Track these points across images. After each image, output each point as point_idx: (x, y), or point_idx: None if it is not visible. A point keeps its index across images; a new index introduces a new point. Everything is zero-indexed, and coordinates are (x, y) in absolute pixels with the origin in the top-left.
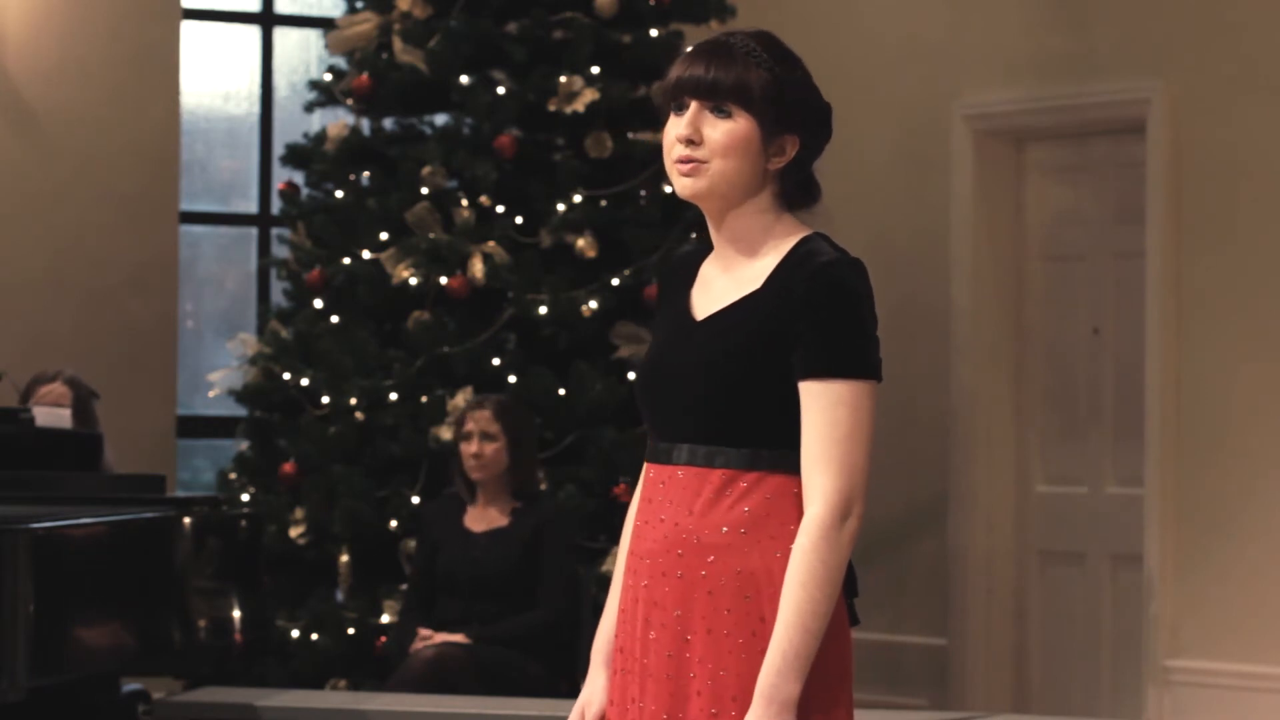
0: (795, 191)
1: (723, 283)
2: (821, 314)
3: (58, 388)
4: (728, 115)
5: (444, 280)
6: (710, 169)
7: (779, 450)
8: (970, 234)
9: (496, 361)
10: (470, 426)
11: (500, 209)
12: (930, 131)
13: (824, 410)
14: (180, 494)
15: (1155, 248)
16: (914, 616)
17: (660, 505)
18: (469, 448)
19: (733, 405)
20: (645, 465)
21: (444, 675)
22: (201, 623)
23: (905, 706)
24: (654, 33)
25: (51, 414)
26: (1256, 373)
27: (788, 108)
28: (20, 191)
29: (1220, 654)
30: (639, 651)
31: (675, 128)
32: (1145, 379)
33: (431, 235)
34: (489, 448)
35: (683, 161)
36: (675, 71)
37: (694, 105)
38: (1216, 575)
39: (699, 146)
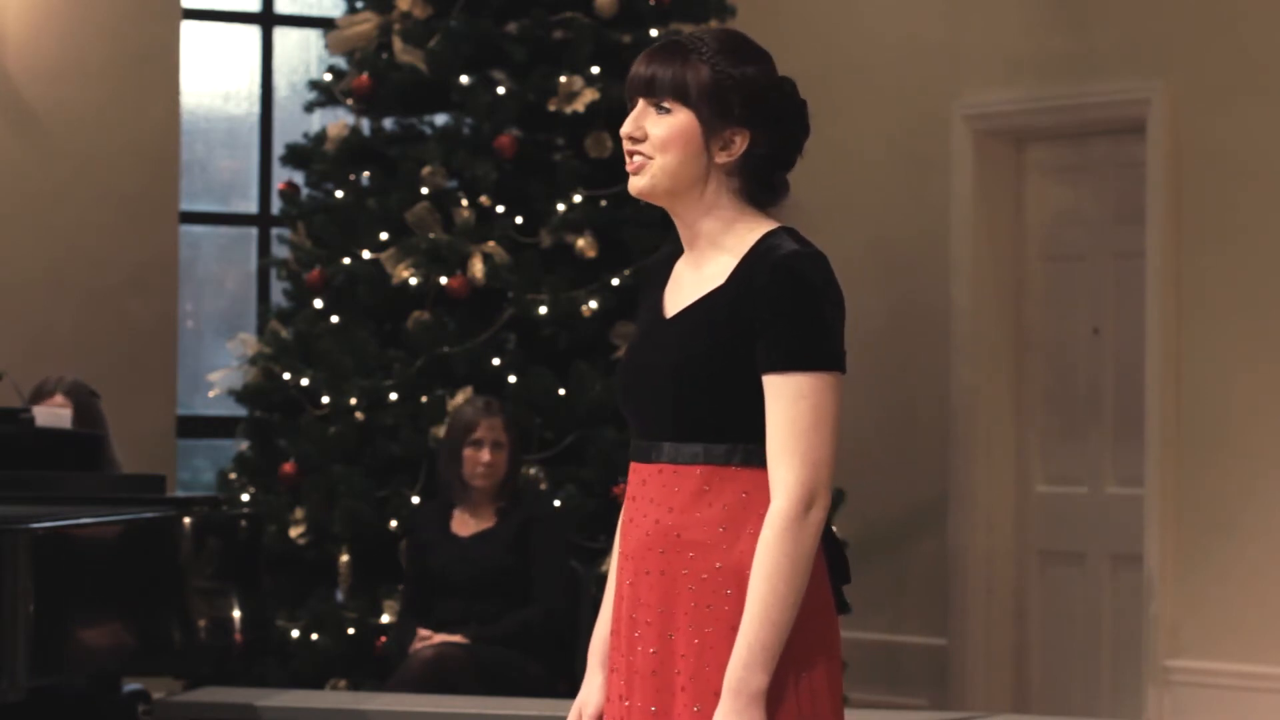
0: (758, 188)
1: (691, 280)
2: (781, 306)
3: (58, 400)
4: (668, 111)
5: (444, 280)
6: (653, 165)
7: (754, 444)
8: (970, 234)
9: (496, 361)
10: (482, 434)
11: (500, 209)
12: (930, 131)
13: (786, 403)
14: (180, 494)
15: (1155, 248)
16: (914, 616)
17: (642, 504)
18: (480, 455)
19: (704, 401)
20: (630, 465)
21: (444, 675)
22: (201, 623)
23: (905, 706)
24: (654, 33)
25: (52, 414)
26: (1256, 372)
27: (731, 102)
28: (20, 191)
29: (1220, 654)
30: (625, 649)
31: (624, 126)
32: (1145, 379)
33: (431, 235)
34: (499, 456)
35: (630, 157)
36: (630, 72)
37: (640, 103)
38: (1216, 575)
39: (643, 142)
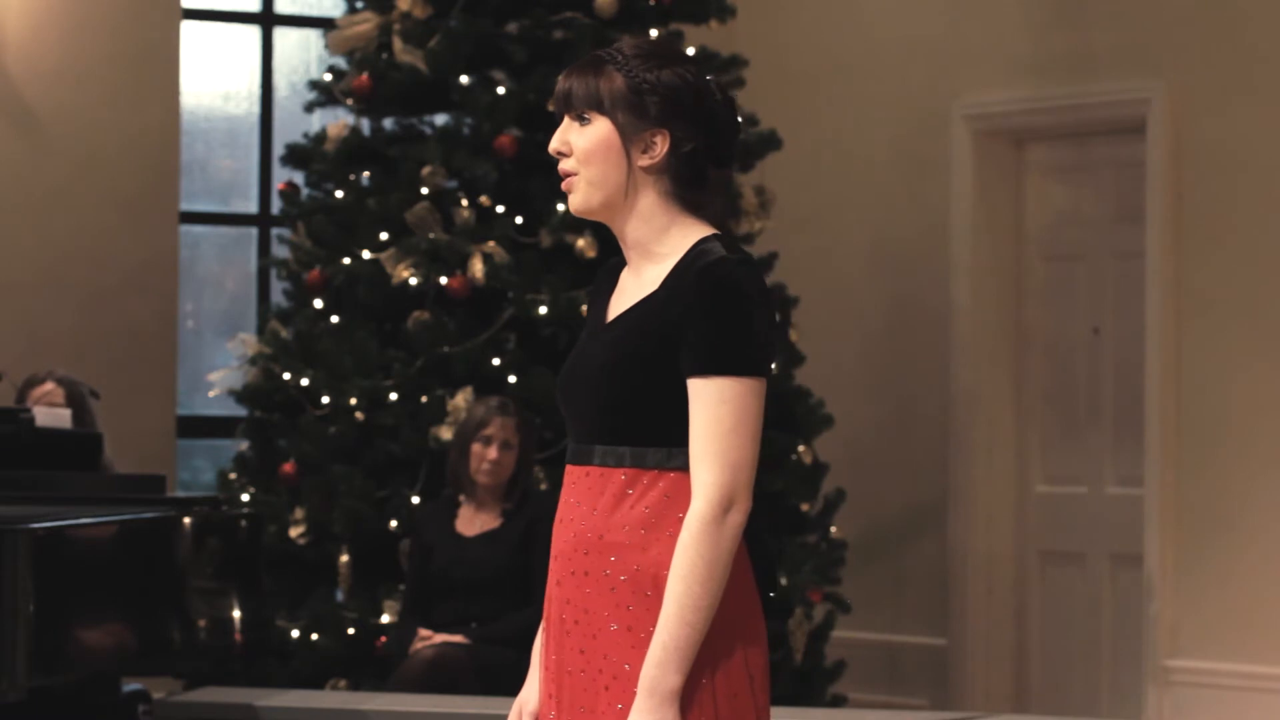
0: (686, 188)
1: (632, 287)
2: (704, 312)
3: (49, 387)
4: (588, 122)
5: (444, 280)
6: (580, 180)
7: (679, 448)
8: (970, 234)
9: (496, 361)
10: (493, 432)
11: (500, 209)
12: (930, 131)
13: (707, 406)
14: (180, 494)
15: (1155, 248)
16: (914, 616)
17: (571, 506)
18: (488, 453)
19: (631, 405)
20: (566, 467)
21: (444, 675)
22: (201, 623)
23: (905, 706)
24: (654, 33)
25: (51, 414)
26: (1256, 372)
27: (646, 104)
28: (20, 191)
29: (1220, 654)
30: (555, 648)
31: (551, 143)
32: (1145, 379)
33: (431, 235)
34: (507, 456)
35: (564, 178)
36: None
37: (565, 119)
38: (1216, 575)
39: (569, 157)
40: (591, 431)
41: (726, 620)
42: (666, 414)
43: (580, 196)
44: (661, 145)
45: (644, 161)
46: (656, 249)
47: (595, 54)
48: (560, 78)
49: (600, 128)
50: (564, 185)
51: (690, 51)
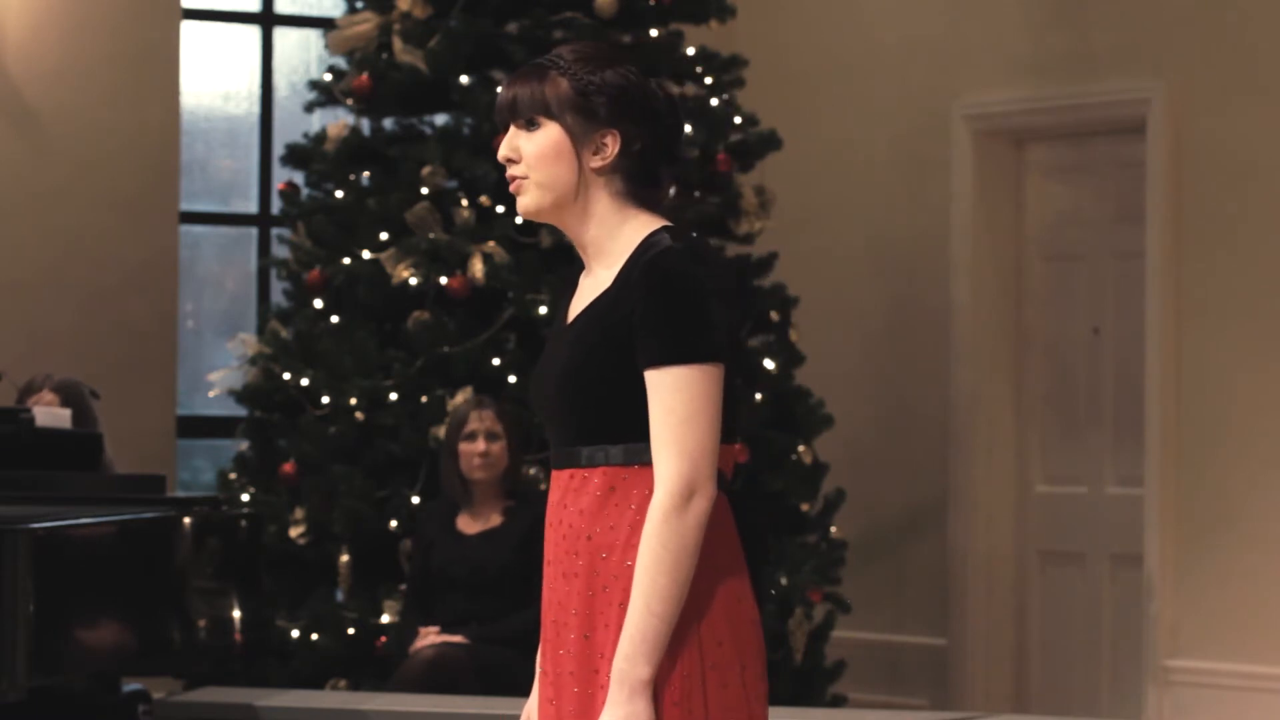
0: (639, 186)
1: (589, 288)
2: (652, 302)
3: (45, 396)
4: (537, 127)
5: (444, 280)
6: (530, 182)
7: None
8: (970, 234)
9: (496, 361)
10: (475, 427)
11: (500, 209)
12: (930, 131)
13: (663, 396)
14: (180, 494)
15: (1155, 248)
16: (914, 616)
17: (558, 509)
18: (475, 447)
19: (596, 404)
20: (551, 471)
21: (444, 675)
22: (201, 623)
23: (905, 706)
24: (654, 33)
25: (51, 414)
26: (1256, 372)
27: (595, 105)
28: (20, 191)
29: (1220, 654)
30: (551, 651)
31: (499, 151)
32: (1145, 379)
33: (431, 235)
34: (495, 447)
35: (511, 181)
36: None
37: (511, 127)
38: (1216, 575)
39: (518, 164)
40: (565, 434)
41: (716, 607)
42: (633, 411)
43: (530, 198)
44: (613, 146)
45: (595, 163)
46: (610, 247)
47: (536, 62)
48: (503, 88)
49: (550, 131)
50: (512, 188)
51: (690, 51)
